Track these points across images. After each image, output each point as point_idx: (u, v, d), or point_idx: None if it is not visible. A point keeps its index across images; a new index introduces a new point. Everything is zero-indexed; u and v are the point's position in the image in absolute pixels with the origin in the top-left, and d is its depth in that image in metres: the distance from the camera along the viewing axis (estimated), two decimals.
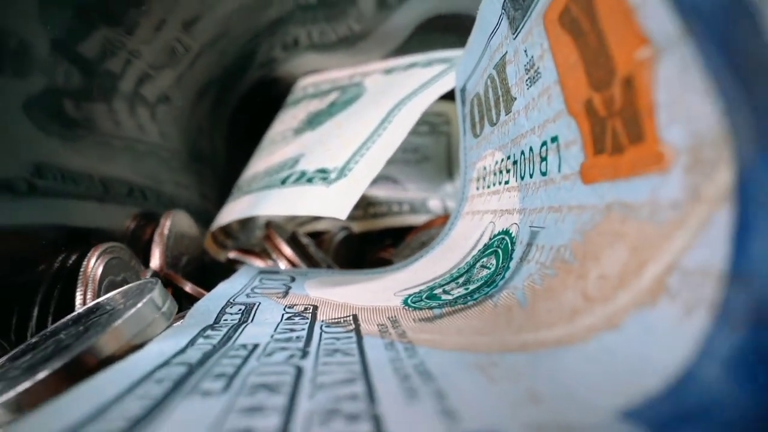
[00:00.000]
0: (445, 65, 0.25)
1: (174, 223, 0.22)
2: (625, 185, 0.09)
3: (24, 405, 0.10)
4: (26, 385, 0.10)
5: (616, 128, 0.09)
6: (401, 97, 0.22)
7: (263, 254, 0.23)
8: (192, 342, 0.11)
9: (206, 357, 0.10)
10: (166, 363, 0.09)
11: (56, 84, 0.22)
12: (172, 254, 0.21)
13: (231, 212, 0.24)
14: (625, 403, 0.06)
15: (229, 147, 0.34)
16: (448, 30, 0.30)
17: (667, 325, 0.07)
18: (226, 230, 0.27)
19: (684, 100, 0.07)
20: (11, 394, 0.10)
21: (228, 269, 0.24)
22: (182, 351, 0.10)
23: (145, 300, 0.12)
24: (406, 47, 0.31)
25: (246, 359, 0.09)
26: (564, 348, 0.08)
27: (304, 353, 0.10)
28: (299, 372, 0.08)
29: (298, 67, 0.33)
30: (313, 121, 0.26)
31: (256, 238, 0.29)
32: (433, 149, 0.34)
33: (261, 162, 0.26)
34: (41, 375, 0.10)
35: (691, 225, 0.07)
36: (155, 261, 0.20)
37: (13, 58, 0.20)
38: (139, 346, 0.11)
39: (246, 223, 0.29)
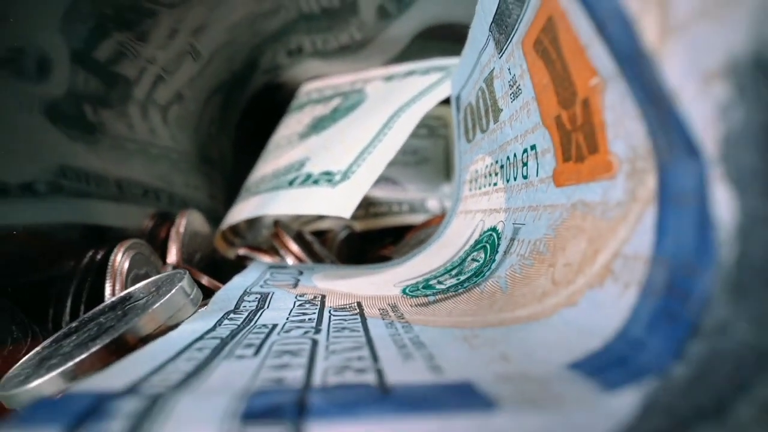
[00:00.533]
0: (442, 73, 0.26)
1: (188, 221, 0.23)
2: (586, 188, 0.11)
3: (78, 374, 0.12)
4: (82, 356, 0.12)
5: (579, 140, 0.11)
6: (400, 104, 0.24)
7: (271, 251, 0.25)
8: (219, 323, 0.13)
9: (234, 333, 0.11)
10: (201, 337, 0.11)
11: (76, 90, 0.23)
12: (187, 251, 0.23)
13: (241, 212, 0.26)
14: (573, 359, 0.08)
15: (236, 149, 0.36)
16: (445, 38, 0.31)
17: (609, 301, 0.09)
18: (234, 229, 0.29)
19: (623, 121, 0.09)
20: (69, 364, 0.12)
21: (237, 265, 0.26)
22: (212, 329, 0.12)
23: (176, 288, 0.13)
24: (406, 54, 0.33)
25: (268, 334, 0.11)
26: (533, 322, 0.10)
27: (317, 330, 0.11)
28: (314, 343, 0.10)
29: (302, 72, 0.35)
30: (318, 126, 0.28)
31: (262, 237, 0.31)
32: (432, 151, 0.36)
33: (268, 165, 0.28)
34: (94, 348, 0.12)
35: (630, 220, 0.09)
36: (172, 257, 0.22)
37: (36, 67, 0.21)
38: (172, 327, 0.13)
39: (253, 222, 0.31)
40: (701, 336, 0.07)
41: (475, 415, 0.06)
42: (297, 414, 0.06)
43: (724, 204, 0.06)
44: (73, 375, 0.12)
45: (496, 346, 0.09)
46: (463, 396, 0.07)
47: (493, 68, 0.16)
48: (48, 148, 0.22)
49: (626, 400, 0.06)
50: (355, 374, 0.08)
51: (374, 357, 0.09)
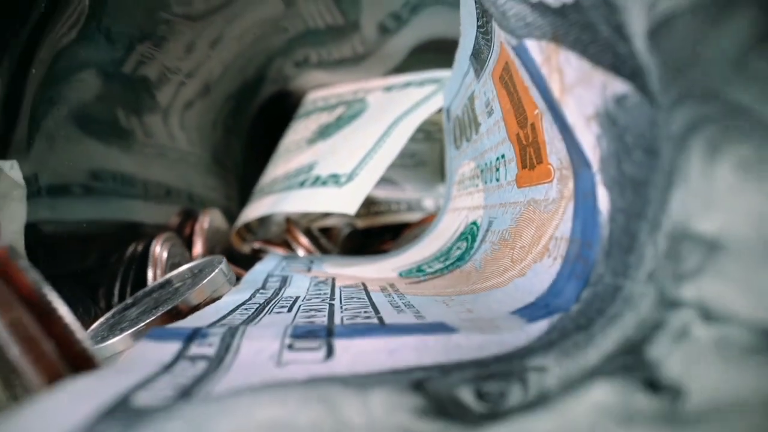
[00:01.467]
0: (435, 85, 0.30)
1: (211, 219, 0.27)
2: (535, 189, 0.14)
3: (144, 334, 0.15)
4: (149, 320, 0.15)
5: (531, 153, 0.15)
6: (399, 114, 0.28)
7: (283, 245, 0.29)
8: (252, 295, 0.16)
9: (267, 302, 0.15)
10: (243, 303, 0.15)
11: (109, 99, 0.27)
12: (209, 245, 0.27)
13: (256, 210, 0.29)
14: (514, 308, 0.12)
15: (247, 153, 0.40)
16: (440, 51, 0.35)
17: (544, 270, 0.13)
18: (247, 226, 0.33)
19: (554, 142, 0.13)
20: (140, 325, 0.15)
21: (251, 258, 0.30)
22: (249, 299, 0.16)
23: (217, 270, 0.17)
24: (404, 65, 0.36)
25: (294, 302, 0.15)
26: (494, 290, 0.14)
27: (332, 299, 0.15)
28: (331, 306, 0.14)
29: (308, 82, 0.39)
30: (324, 132, 0.32)
31: (271, 233, 0.35)
32: (428, 155, 0.40)
33: (279, 167, 0.32)
34: (158, 314, 0.16)
35: (559, 213, 0.13)
36: (198, 249, 0.26)
37: (70, 78, 0.25)
38: (215, 299, 0.17)
39: (264, 220, 0.35)
40: (589, 286, 0.10)
41: (442, 335, 0.10)
42: (327, 335, 0.10)
43: (602, 199, 0.10)
44: (141, 335, 0.15)
45: (465, 305, 0.13)
46: (436, 327, 0.11)
47: (474, 90, 0.20)
48: (82, 153, 0.26)
49: (539, 326, 0.10)
50: (363, 319, 0.12)
51: (376, 310, 0.13)
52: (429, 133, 0.40)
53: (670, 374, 0.07)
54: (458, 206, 0.24)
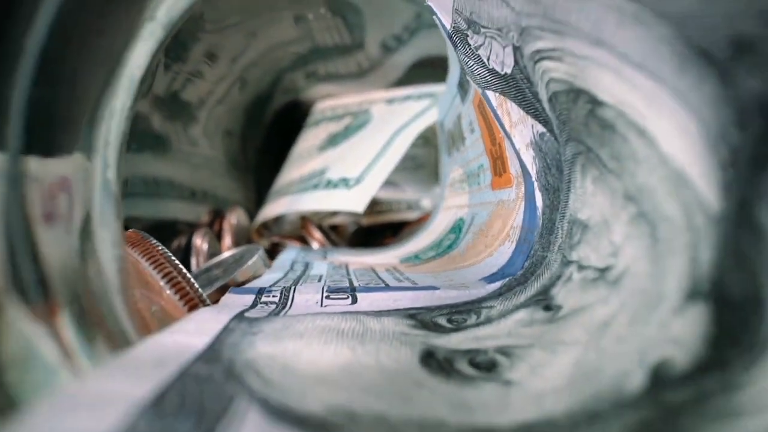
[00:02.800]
0: (431, 99, 0.36)
1: (237, 216, 0.33)
2: (502, 192, 0.20)
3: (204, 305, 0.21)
4: (207, 292, 0.21)
5: (499, 164, 0.20)
6: (399, 126, 0.34)
7: (298, 239, 0.34)
8: (285, 274, 0.22)
9: (298, 277, 0.21)
10: (280, 279, 0.20)
11: (142, 110, 0.33)
12: (235, 239, 0.32)
13: (274, 209, 0.35)
14: (482, 276, 0.17)
15: (262, 158, 0.45)
16: (435, 66, 0.41)
17: (506, 250, 0.18)
18: (264, 223, 0.39)
19: (512, 158, 0.18)
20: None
21: (269, 252, 0.35)
22: (284, 277, 0.21)
23: (256, 256, 0.23)
24: (404, 79, 0.42)
25: (320, 278, 0.20)
26: (471, 266, 0.20)
27: (348, 275, 0.21)
28: (349, 279, 0.20)
29: (316, 93, 0.45)
30: (333, 141, 0.37)
31: (284, 230, 0.40)
32: (427, 159, 0.45)
33: (293, 171, 0.37)
34: (213, 287, 0.21)
35: (516, 209, 0.18)
36: (227, 242, 0.31)
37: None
38: (255, 277, 0.22)
39: (278, 218, 0.40)
40: (529, 258, 0.16)
41: (429, 291, 0.16)
42: (351, 290, 0.16)
43: (539, 200, 0.16)
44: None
45: (448, 276, 0.19)
46: (426, 288, 0.16)
47: (461, 111, 0.25)
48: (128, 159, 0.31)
49: (495, 285, 0.16)
50: (372, 281, 0.17)
51: (383, 281, 0.18)
52: (427, 139, 0.46)
53: (557, 301, 0.12)
54: (449, 205, 0.29)
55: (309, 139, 0.41)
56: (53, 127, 0.08)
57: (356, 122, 0.38)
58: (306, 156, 0.38)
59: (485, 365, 0.10)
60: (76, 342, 0.08)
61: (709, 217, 0.08)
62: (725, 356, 0.07)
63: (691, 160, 0.08)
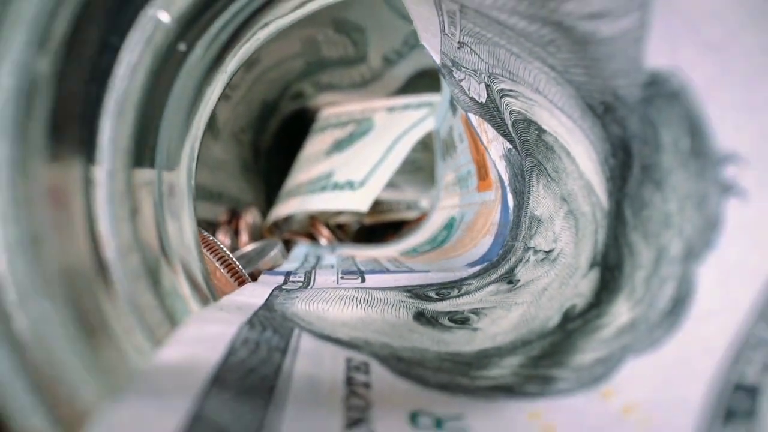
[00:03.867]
0: (429, 108, 0.40)
1: (252, 215, 0.37)
2: (485, 194, 0.24)
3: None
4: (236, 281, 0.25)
5: (482, 171, 0.25)
6: (399, 133, 0.38)
7: (307, 236, 0.39)
8: (302, 264, 0.26)
9: (314, 266, 0.25)
10: (300, 267, 0.25)
11: None
12: (251, 236, 0.37)
13: (285, 208, 0.39)
14: (466, 263, 0.22)
15: (271, 162, 0.50)
16: (432, 77, 0.45)
17: (486, 242, 0.23)
18: (275, 222, 0.43)
19: (491, 165, 0.23)
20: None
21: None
22: (302, 265, 0.26)
23: (276, 249, 0.27)
24: (404, 88, 0.46)
25: (332, 266, 0.25)
26: (459, 256, 0.24)
27: (356, 264, 0.25)
28: (358, 267, 0.24)
29: (322, 100, 0.49)
30: (339, 146, 0.42)
31: (293, 228, 0.45)
32: (425, 162, 0.50)
33: (302, 174, 0.42)
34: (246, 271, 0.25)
35: (495, 208, 0.23)
36: (243, 238, 0.36)
37: None
38: (276, 266, 0.27)
39: (288, 217, 0.45)
40: (503, 247, 0.20)
41: (423, 273, 0.20)
42: (360, 273, 0.20)
43: (510, 201, 0.20)
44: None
45: (439, 264, 0.23)
46: (420, 271, 0.21)
47: (452, 123, 0.30)
48: None
49: (475, 269, 0.20)
50: (375, 266, 0.22)
51: (384, 267, 0.23)
52: (426, 144, 0.50)
53: (517, 277, 0.17)
54: (444, 205, 0.34)
55: (316, 144, 0.45)
56: (171, 152, 0.12)
57: (360, 129, 0.42)
58: (314, 160, 0.43)
59: (460, 320, 0.15)
60: (189, 291, 0.12)
61: (603, 212, 0.13)
62: (601, 298, 0.12)
63: (593, 175, 0.13)
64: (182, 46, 0.10)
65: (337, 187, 0.36)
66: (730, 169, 0.08)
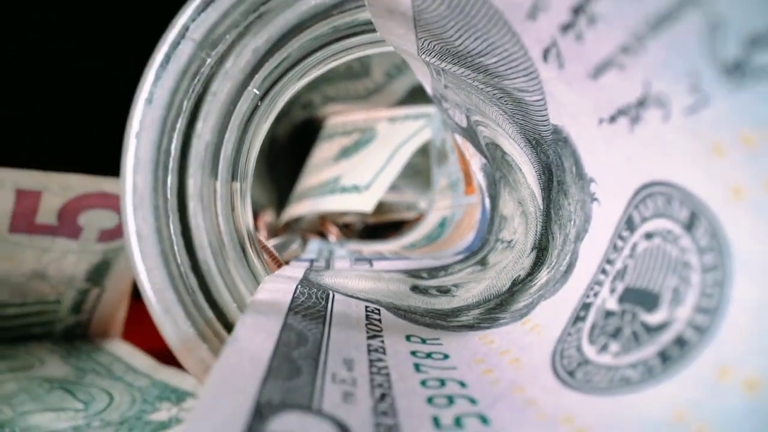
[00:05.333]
0: (426, 119, 0.47)
1: (269, 215, 0.44)
2: (471, 197, 0.31)
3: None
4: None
5: (467, 177, 0.31)
6: (400, 142, 0.45)
7: (318, 233, 0.45)
8: (318, 255, 0.33)
9: (329, 257, 0.32)
10: (317, 257, 0.31)
11: None
12: (269, 234, 0.44)
13: (297, 209, 0.46)
14: (456, 251, 0.28)
15: (282, 167, 0.56)
16: None
17: (472, 235, 0.29)
18: (287, 222, 0.50)
19: (476, 173, 0.29)
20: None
21: None
22: (317, 259, 0.32)
23: (297, 243, 0.34)
24: (404, 99, 0.53)
25: (344, 256, 0.31)
26: (449, 248, 0.31)
27: (364, 255, 0.32)
28: (366, 256, 0.31)
29: (328, 110, 0.56)
30: (345, 153, 0.48)
31: (302, 228, 0.51)
32: (423, 166, 0.57)
33: (312, 178, 0.49)
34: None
35: (477, 209, 0.29)
36: (263, 236, 0.42)
37: None
38: (296, 257, 0.33)
39: (298, 217, 0.51)
40: (482, 240, 0.27)
41: (418, 260, 0.27)
42: (369, 260, 0.27)
43: (487, 204, 0.27)
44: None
45: (433, 255, 0.30)
46: (417, 259, 0.27)
47: (445, 136, 0.36)
48: None
49: (459, 257, 0.27)
50: (381, 259, 0.29)
51: (386, 256, 0.30)
52: (424, 150, 0.57)
53: (487, 261, 0.23)
54: (438, 207, 0.40)
55: (324, 150, 0.52)
56: (244, 170, 0.19)
57: (364, 138, 0.49)
58: (322, 165, 0.50)
59: (444, 290, 0.21)
60: (257, 262, 0.19)
61: (540, 212, 0.19)
62: (534, 269, 0.18)
63: (534, 186, 0.19)
64: (259, 102, 0.17)
65: (344, 190, 0.43)
66: (592, 186, 0.15)
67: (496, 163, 0.23)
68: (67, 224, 0.33)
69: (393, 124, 0.49)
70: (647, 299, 0.11)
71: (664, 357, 0.10)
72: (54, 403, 0.32)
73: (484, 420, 0.11)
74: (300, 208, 0.46)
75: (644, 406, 0.09)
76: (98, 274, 0.37)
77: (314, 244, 0.38)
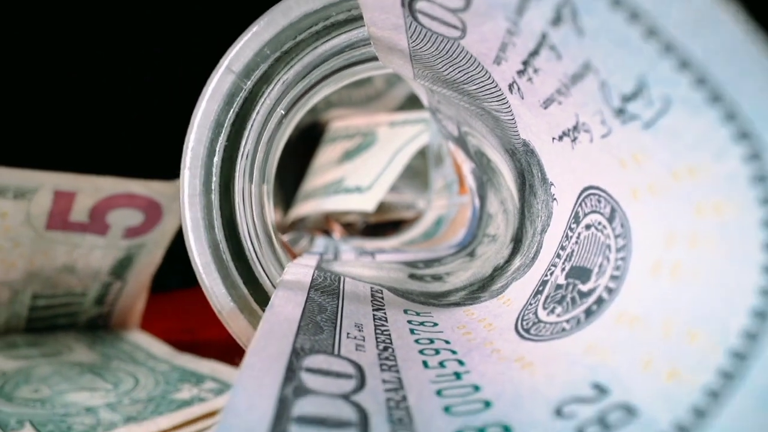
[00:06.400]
0: (424, 124, 0.51)
1: (278, 214, 0.48)
2: (464, 197, 0.35)
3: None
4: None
5: (461, 179, 0.35)
6: (399, 146, 0.49)
7: (323, 231, 0.50)
8: (325, 249, 0.37)
9: (336, 251, 0.36)
10: (324, 252, 0.36)
11: None
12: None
13: (303, 209, 0.50)
14: (449, 245, 0.33)
15: (287, 169, 0.60)
16: None
17: (463, 232, 0.34)
18: (293, 221, 0.54)
19: (466, 177, 0.34)
20: None
21: None
22: (325, 252, 0.36)
23: (306, 238, 0.38)
24: (403, 105, 0.57)
25: (349, 251, 0.36)
26: (442, 244, 0.35)
27: (367, 250, 0.36)
28: (368, 251, 0.35)
29: (331, 114, 0.60)
30: (348, 156, 0.53)
31: (306, 227, 0.55)
32: (422, 168, 0.61)
33: (317, 180, 0.53)
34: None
35: (469, 207, 0.34)
36: None
37: None
38: (306, 251, 0.37)
39: (304, 216, 0.56)
40: (471, 235, 0.31)
41: (415, 253, 0.31)
42: (371, 253, 0.31)
43: (476, 203, 0.31)
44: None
45: (429, 249, 0.34)
46: (414, 252, 0.32)
47: (441, 141, 0.40)
48: None
49: (451, 250, 0.31)
50: (383, 252, 0.33)
51: (387, 251, 0.34)
52: (423, 153, 0.61)
53: (476, 252, 0.28)
54: (435, 206, 0.45)
55: (327, 153, 0.56)
56: (269, 174, 0.23)
57: (366, 141, 0.53)
58: (326, 167, 0.54)
59: (437, 277, 0.26)
60: (280, 250, 0.23)
61: (517, 210, 0.23)
62: (511, 258, 0.22)
63: (513, 189, 0.24)
64: (283, 119, 0.21)
65: (348, 190, 0.47)
66: (552, 189, 0.19)
67: (483, 168, 0.27)
68: (96, 222, 0.37)
69: (393, 128, 0.54)
70: (583, 274, 0.16)
71: (588, 312, 0.14)
72: (86, 384, 0.36)
73: (461, 363, 0.15)
74: (306, 207, 0.50)
75: (570, 345, 0.14)
76: (121, 268, 0.42)
77: (321, 241, 0.42)
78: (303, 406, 0.11)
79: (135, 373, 0.38)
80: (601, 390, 0.11)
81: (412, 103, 0.57)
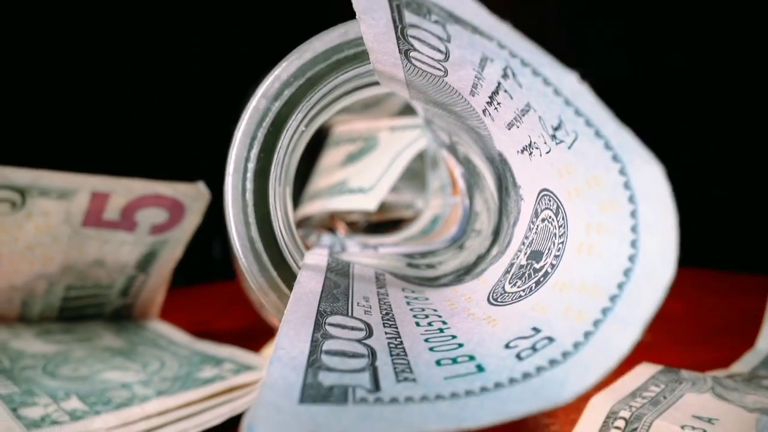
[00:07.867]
0: (422, 129, 0.57)
1: None
2: (457, 197, 0.41)
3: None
4: None
5: (454, 182, 0.41)
6: (399, 150, 0.55)
7: (328, 230, 0.55)
8: (333, 244, 0.43)
9: (342, 245, 0.42)
10: (332, 245, 0.41)
11: None
12: None
13: (309, 209, 0.56)
14: (444, 241, 0.38)
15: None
16: None
17: (455, 228, 0.39)
18: (299, 220, 0.60)
19: (458, 180, 0.39)
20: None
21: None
22: (333, 243, 0.42)
23: (314, 235, 0.44)
24: (403, 110, 0.63)
25: (354, 245, 0.41)
26: (437, 239, 0.41)
27: (370, 244, 0.42)
28: (371, 245, 0.41)
29: (333, 119, 0.66)
30: (351, 159, 0.58)
31: (312, 225, 0.61)
32: (420, 170, 0.67)
33: (321, 181, 0.59)
34: None
35: (461, 207, 0.39)
36: None
37: None
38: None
39: (309, 216, 0.61)
40: (461, 230, 0.37)
41: (412, 247, 0.37)
42: (374, 248, 0.37)
43: (465, 202, 0.37)
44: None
45: (425, 244, 0.40)
46: (411, 246, 0.37)
47: (436, 148, 0.46)
48: None
49: (445, 243, 0.37)
50: (385, 246, 0.39)
51: (386, 245, 0.40)
52: (421, 155, 0.67)
53: (465, 245, 0.33)
54: (432, 206, 0.50)
55: (331, 156, 0.62)
56: (289, 177, 0.29)
57: (368, 145, 0.59)
58: (330, 169, 0.60)
59: (431, 266, 0.31)
60: (299, 242, 0.29)
61: (496, 208, 0.29)
62: (490, 247, 0.28)
63: (493, 190, 0.29)
64: (304, 132, 0.27)
65: (351, 191, 0.53)
66: (521, 191, 0.25)
67: (470, 172, 0.33)
68: (126, 219, 0.43)
69: (393, 132, 0.59)
70: (538, 255, 0.21)
71: (537, 283, 0.20)
72: (118, 365, 0.42)
73: (444, 323, 0.21)
74: (311, 207, 0.56)
75: (523, 306, 0.19)
76: (146, 262, 0.47)
77: (328, 237, 0.48)
78: (329, 345, 0.17)
79: (160, 357, 0.43)
80: (536, 330, 0.17)
81: (410, 108, 0.63)
